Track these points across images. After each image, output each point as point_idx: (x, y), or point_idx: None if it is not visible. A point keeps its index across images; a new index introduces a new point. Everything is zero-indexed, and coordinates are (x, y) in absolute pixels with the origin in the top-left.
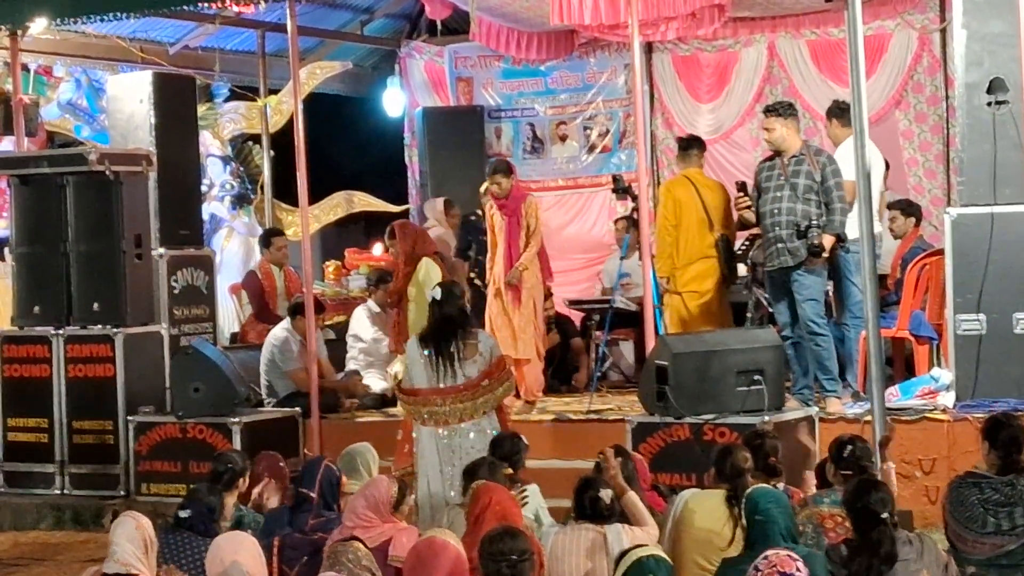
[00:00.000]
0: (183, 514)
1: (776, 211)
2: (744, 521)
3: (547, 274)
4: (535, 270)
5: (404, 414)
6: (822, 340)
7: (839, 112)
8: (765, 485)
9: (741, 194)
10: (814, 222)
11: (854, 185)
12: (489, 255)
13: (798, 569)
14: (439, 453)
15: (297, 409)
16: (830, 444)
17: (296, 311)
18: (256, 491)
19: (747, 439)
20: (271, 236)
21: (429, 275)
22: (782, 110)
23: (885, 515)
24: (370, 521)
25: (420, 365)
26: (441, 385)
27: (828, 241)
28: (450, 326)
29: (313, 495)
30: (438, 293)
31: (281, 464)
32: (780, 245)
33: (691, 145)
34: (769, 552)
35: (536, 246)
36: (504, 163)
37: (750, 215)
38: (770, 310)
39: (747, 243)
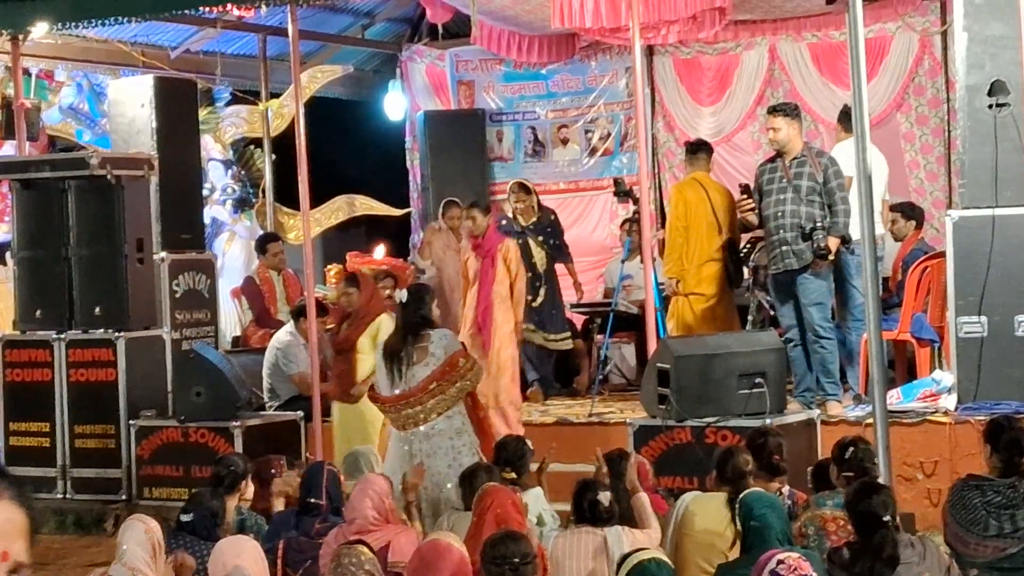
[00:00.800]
0: (185, 518)
1: (780, 214)
2: (739, 526)
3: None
4: (506, 311)
5: None
6: (827, 344)
7: (845, 117)
8: (760, 489)
9: (744, 196)
10: (818, 224)
11: (850, 181)
12: (461, 298)
13: (813, 572)
14: (399, 457)
15: (299, 413)
16: (832, 446)
17: (300, 314)
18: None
19: (750, 437)
20: (266, 242)
21: (383, 334)
22: (788, 110)
23: (887, 518)
24: (376, 525)
25: (382, 371)
26: (395, 391)
27: (834, 243)
28: (403, 331)
29: (322, 503)
30: (403, 296)
31: (272, 471)
32: (785, 248)
33: (699, 149)
34: (780, 555)
35: (522, 293)
36: (484, 201)
37: (753, 217)
38: (772, 313)
39: (748, 246)
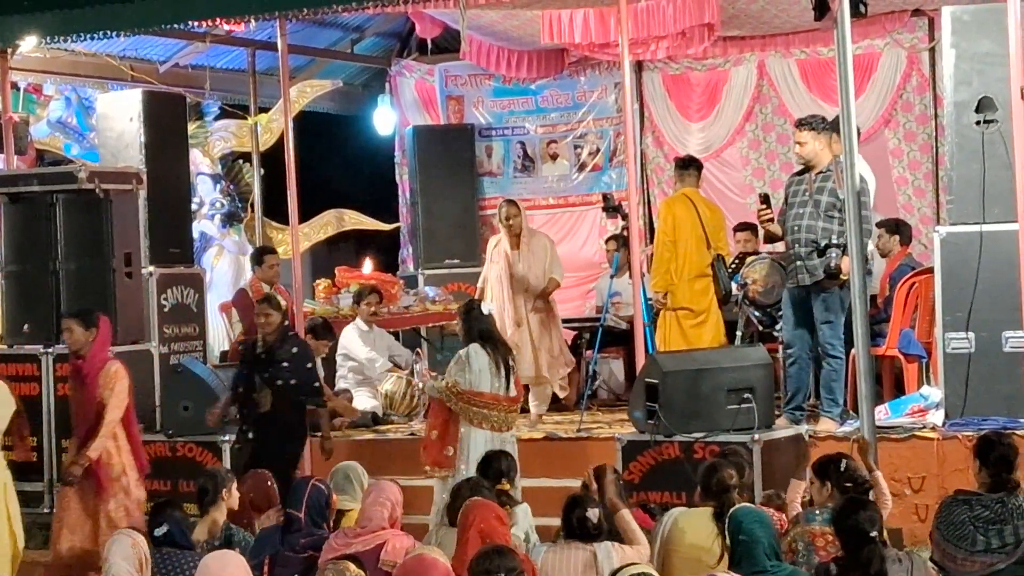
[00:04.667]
0: (160, 532)
1: (796, 228)
2: (728, 540)
3: (140, 462)
4: (122, 456)
5: (438, 419)
6: (834, 362)
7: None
8: (749, 504)
9: (764, 206)
10: (834, 240)
11: None
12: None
13: None
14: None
15: None
16: (813, 463)
17: (311, 331)
18: (259, 520)
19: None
20: (263, 254)
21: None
22: (816, 124)
23: (874, 533)
24: (383, 528)
25: (488, 371)
26: (500, 393)
27: (847, 264)
28: (498, 340)
29: (300, 515)
30: (491, 308)
31: (269, 483)
32: (799, 263)
33: (688, 165)
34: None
35: (112, 426)
36: (86, 311)
37: (774, 228)
38: (760, 328)
39: (736, 261)
